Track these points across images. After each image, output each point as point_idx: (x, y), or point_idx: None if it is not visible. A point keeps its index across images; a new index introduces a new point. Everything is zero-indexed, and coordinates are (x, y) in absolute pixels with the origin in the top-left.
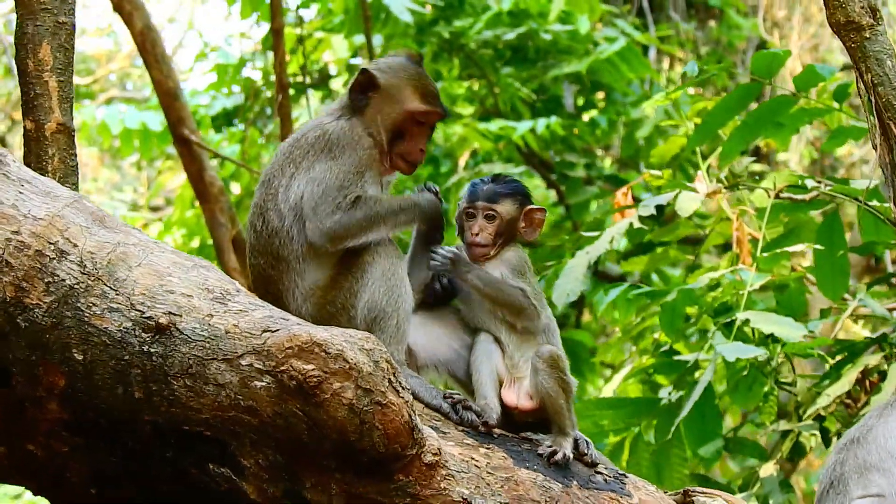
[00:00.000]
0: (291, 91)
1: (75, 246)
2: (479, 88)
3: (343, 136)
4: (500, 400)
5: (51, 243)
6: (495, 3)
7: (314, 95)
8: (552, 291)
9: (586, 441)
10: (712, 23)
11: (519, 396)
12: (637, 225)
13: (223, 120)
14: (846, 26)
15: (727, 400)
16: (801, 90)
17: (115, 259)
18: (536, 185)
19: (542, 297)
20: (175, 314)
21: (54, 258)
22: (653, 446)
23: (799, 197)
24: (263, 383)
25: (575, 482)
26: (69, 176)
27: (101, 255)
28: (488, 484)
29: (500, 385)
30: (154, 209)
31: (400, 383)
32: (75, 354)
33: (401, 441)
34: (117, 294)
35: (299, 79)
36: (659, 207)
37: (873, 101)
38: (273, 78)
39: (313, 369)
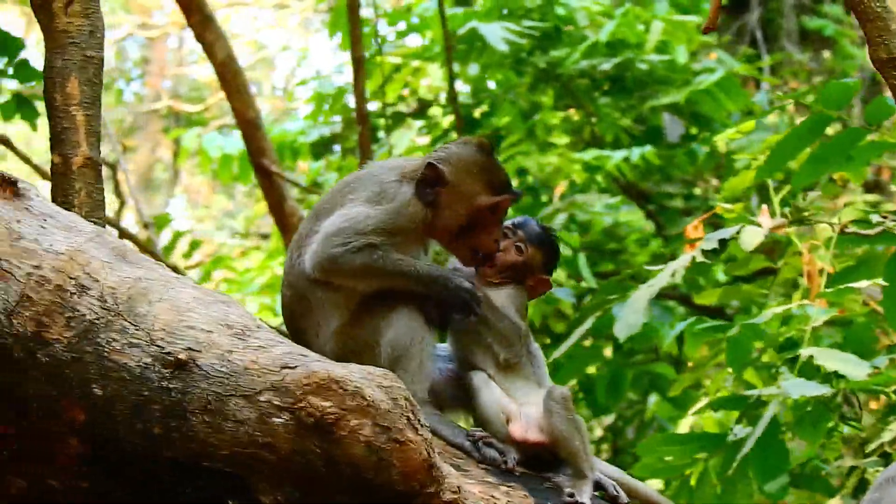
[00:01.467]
0: (384, 121)
1: (96, 281)
2: (576, 119)
3: (397, 199)
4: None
5: (72, 278)
6: (592, 33)
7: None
8: (615, 325)
9: (614, 485)
10: (826, 53)
11: (527, 430)
12: (700, 259)
13: (321, 148)
14: (888, 63)
15: (790, 435)
16: (871, 122)
17: (135, 294)
18: (633, 216)
19: (530, 337)
20: (195, 350)
21: (75, 293)
22: (718, 483)
23: (865, 232)
24: (282, 420)
25: None
26: (95, 210)
27: (122, 291)
28: None
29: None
30: (264, 237)
31: (419, 421)
32: (95, 390)
33: (419, 479)
34: (137, 329)
35: (400, 107)
36: (722, 241)
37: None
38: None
39: (331, 406)
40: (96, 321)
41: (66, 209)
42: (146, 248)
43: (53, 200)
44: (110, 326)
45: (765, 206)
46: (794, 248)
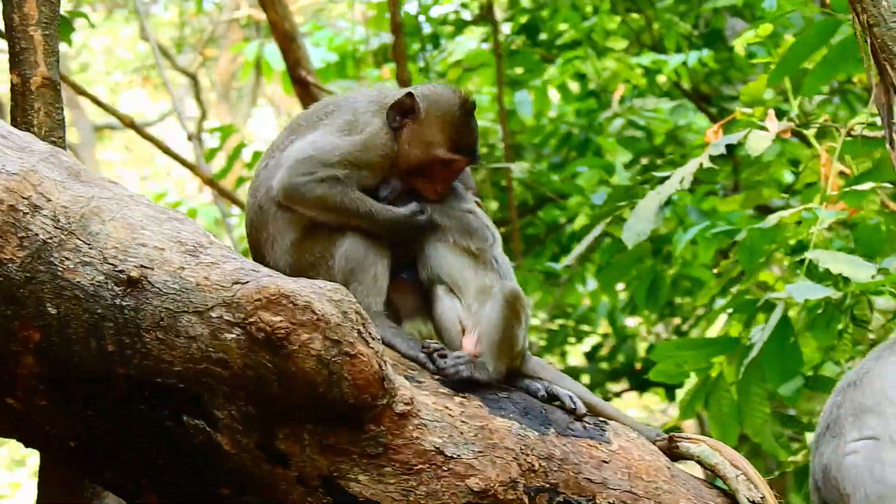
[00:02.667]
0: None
1: (49, 200)
2: (636, 23)
3: (366, 130)
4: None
5: (24, 198)
6: None
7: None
8: (623, 232)
9: (570, 396)
10: None
11: (477, 343)
12: (707, 165)
13: (382, 56)
14: None
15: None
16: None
17: (88, 213)
18: (695, 120)
19: (489, 222)
20: (147, 267)
21: (28, 213)
22: (734, 385)
23: (872, 134)
24: (233, 335)
25: (553, 429)
26: (55, 129)
27: (75, 210)
28: (462, 433)
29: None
30: None
31: (370, 334)
32: (49, 309)
33: (371, 391)
34: (90, 248)
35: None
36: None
37: (869, 41)
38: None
39: (281, 321)
40: (49, 241)
41: (25, 129)
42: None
43: (13, 120)
44: (63, 245)
45: (771, 111)
46: (813, 151)
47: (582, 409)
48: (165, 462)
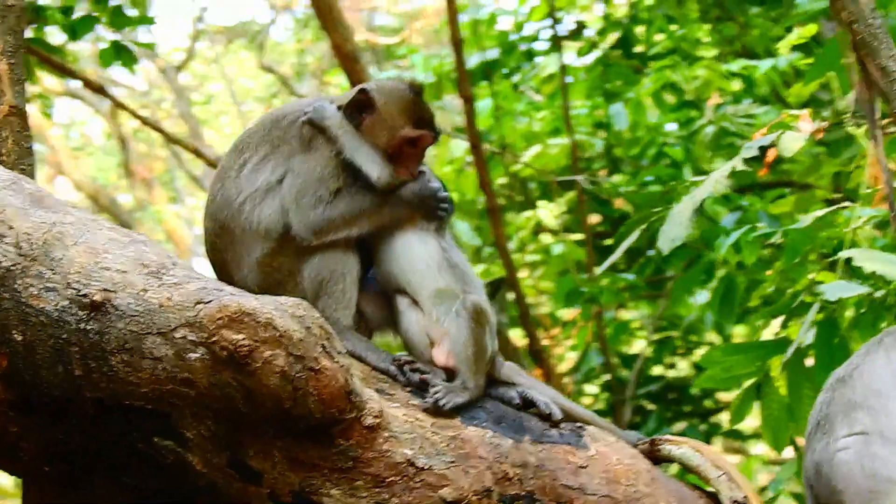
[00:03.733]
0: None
1: (11, 228)
2: (727, 30)
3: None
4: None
5: None
6: None
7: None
8: (658, 238)
9: (546, 402)
10: None
11: (448, 356)
12: (740, 167)
13: (480, 76)
14: None
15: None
16: None
17: (51, 239)
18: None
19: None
20: (110, 290)
21: None
22: (784, 388)
23: None
24: (197, 355)
25: (527, 437)
26: (24, 157)
27: (37, 236)
28: (433, 444)
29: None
30: None
31: (335, 348)
32: (15, 335)
33: (337, 405)
34: (54, 273)
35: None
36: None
37: (850, 37)
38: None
39: (244, 339)
40: (12, 268)
41: None
42: None
43: None
44: (27, 272)
45: (805, 111)
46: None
47: (558, 414)
48: (140, 482)
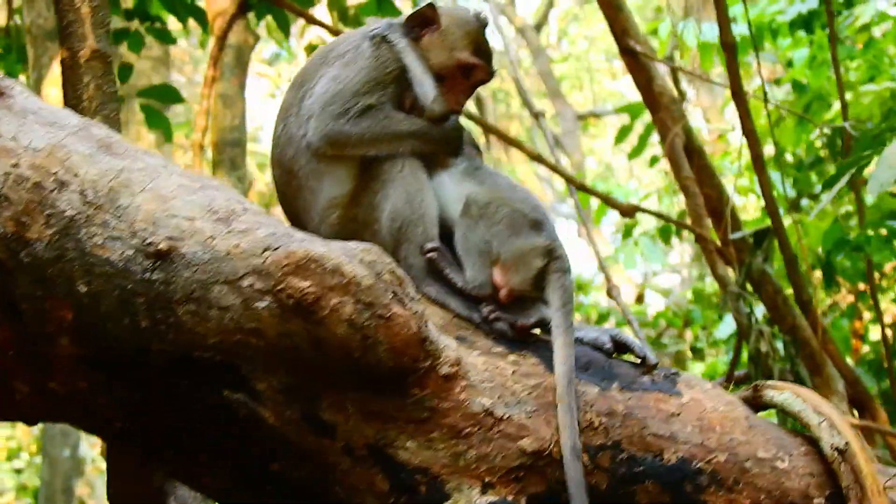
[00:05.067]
0: None
1: (76, 175)
2: None
3: (361, 51)
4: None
5: (51, 174)
6: None
7: None
8: (868, 183)
9: (641, 345)
10: None
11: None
12: None
13: (800, 25)
14: None
15: None
16: None
17: (117, 186)
18: None
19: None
20: (177, 238)
21: (54, 189)
22: None
23: None
24: (265, 303)
25: (616, 384)
26: (107, 103)
27: (103, 183)
28: (514, 392)
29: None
30: None
31: (408, 294)
32: (80, 287)
33: (410, 354)
34: (119, 222)
35: None
36: None
37: None
38: None
39: (310, 286)
40: (76, 217)
41: (75, 104)
42: None
43: (65, 95)
44: (91, 221)
45: None
46: None
47: (653, 358)
48: (213, 439)
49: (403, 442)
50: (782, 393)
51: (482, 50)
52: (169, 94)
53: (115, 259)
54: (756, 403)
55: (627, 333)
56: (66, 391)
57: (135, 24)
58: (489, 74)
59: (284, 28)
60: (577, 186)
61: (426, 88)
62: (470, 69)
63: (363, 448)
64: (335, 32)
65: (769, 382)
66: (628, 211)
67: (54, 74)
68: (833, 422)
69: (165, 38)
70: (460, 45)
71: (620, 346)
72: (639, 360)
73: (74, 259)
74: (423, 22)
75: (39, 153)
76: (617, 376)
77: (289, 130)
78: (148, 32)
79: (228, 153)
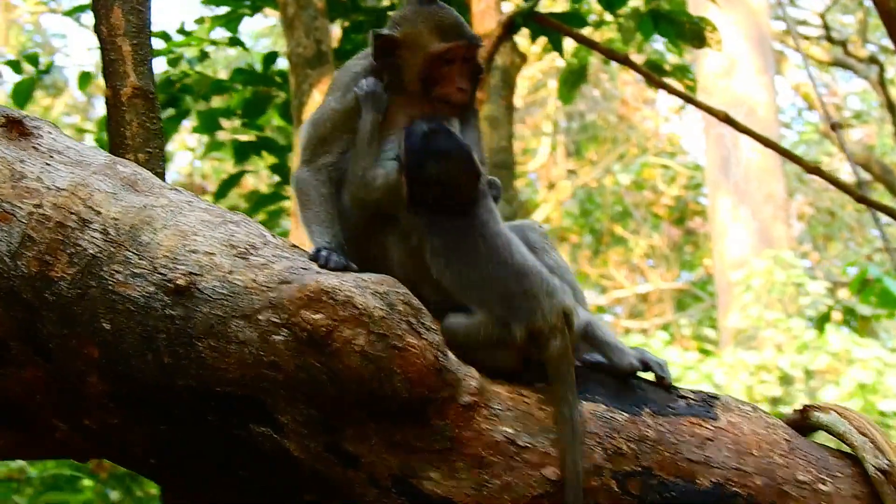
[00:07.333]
0: None
1: (98, 213)
2: None
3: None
4: None
5: (72, 213)
6: None
7: None
8: None
9: (659, 363)
10: None
11: None
12: None
13: None
14: None
15: None
16: None
17: (139, 223)
18: None
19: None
20: (196, 274)
21: (76, 228)
22: None
23: None
24: (281, 337)
25: (647, 409)
26: (151, 140)
27: (125, 221)
28: (538, 420)
29: None
30: None
31: (423, 324)
32: (103, 324)
33: (427, 384)
34: (140, 259)
35: None
36: None
37: None
38: None
39: (322, 318)
40: (99, 255)
41: (118, 142)
42: None
43: (108, 133)
44: (113, 258)
45: None
46: None
47: (669, 378)
48: (245, 474)
49: (427, 472)
50: (829, 414)
51: (446, 30)
52: None
53: (137, 296)
54: (803, 425)
55: (650, 352)
56: (99, 428)
57: None
58: (470, 47)
59: (558, 48)
60: None
61: (363, 161)
62: (446, 55)
63: (388, 479)
64: (606, 52)
65: (816, 404)
66: None
67: (315, 101)
68: (877, 442)
69: None
70: (426, 41)
71: (644, 365)
72: (658, 379)
73: (97, 297)
74: (385, 51)
75: (62, 192)
76: (648, 401)
77: None
78: None
79: (496, 175)
